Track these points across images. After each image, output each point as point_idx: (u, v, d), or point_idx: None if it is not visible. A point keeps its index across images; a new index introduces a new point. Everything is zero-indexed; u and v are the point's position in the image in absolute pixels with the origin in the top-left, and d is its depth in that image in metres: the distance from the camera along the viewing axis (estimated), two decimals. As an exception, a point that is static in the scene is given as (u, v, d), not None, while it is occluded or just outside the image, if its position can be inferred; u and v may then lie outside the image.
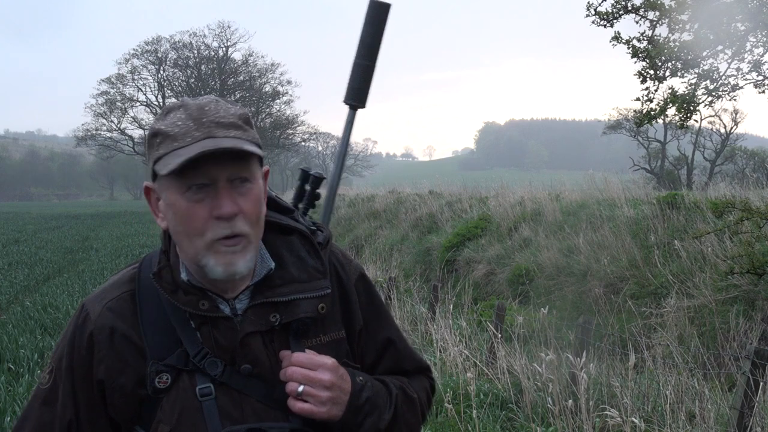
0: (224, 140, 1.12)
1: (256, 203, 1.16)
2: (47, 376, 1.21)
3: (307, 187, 1.44)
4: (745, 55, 8.80)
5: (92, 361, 1.18)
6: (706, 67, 8.84)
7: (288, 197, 1.52)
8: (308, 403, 1.17)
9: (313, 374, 1.17)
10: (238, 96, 48.35)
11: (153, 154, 1.16)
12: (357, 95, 1.46)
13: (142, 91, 47.58)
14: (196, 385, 1.16)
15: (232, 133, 1.14)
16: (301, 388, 1.17)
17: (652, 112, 8.97)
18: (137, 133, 48.38)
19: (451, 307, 7.35)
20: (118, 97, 46.65)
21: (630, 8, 9.01)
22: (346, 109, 1.53)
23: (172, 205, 1.14)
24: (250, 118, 1.21)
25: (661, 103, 8.88)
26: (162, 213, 1.19)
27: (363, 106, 1.49)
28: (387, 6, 1.42)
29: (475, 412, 4.54)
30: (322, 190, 1.47)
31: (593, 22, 9.20)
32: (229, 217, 1.13)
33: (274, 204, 1.31)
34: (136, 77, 47.07)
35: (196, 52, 48.10)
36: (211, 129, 1.13)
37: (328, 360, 1.20)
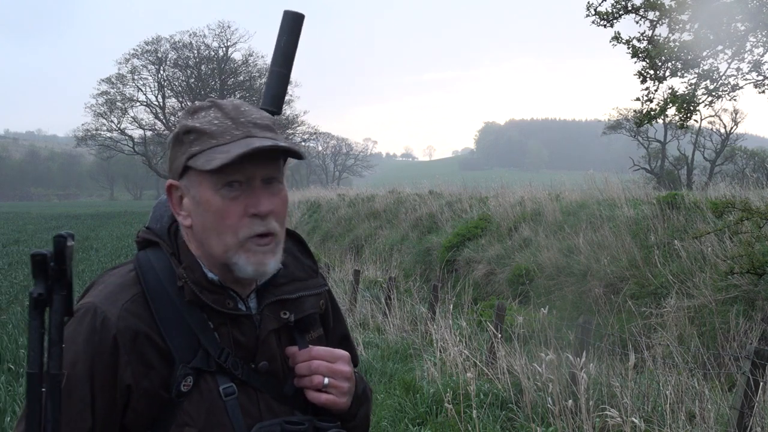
0: (266, 140, 1.15)
1: (285, 204, 1.21)
2: None
3: None
4: (745, 55, 8.80)
5: (117, 366, 1.13)
6: (706, 67, 8.84)
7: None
8: (332, 395, 1.22)
9: (335, 366, 1.23)
10: (238, 96, 48.37)
11: (186, 150, 1.16)
12: (273, 101, 1.50)
13: (142, 91, 47.64)
14: (218, 385, 1.16)
15: (268, 134, 1.18)
16: (326, 381, 1.21)
17: (652, 112, 8.96)
18: (137, 133, 48.47)
19: (451, 307, 7.35)
20: (118, 97, 46.72)
21: (630, 8, 9.01)
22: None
23: (206, 201, 1.15)
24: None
25: (661, 103, 8.87)
26: (186, 211, 1.19)
27: (280, 112, 1.53)
28: (301, 17, 1.49)
29: (475, 412, 4.54)
30: None
31: (593, 22, 9.19)
32: (266, 214, 1.16)
33: None
34: (136, 77, 47.15)
35: (196, 52, 48.17)
36: (250, 129, 1.16)
37: (344, 352, 1.26)
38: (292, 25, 1.46)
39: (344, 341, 1.44)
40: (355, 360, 1.46)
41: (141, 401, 1.14)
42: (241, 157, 1.11)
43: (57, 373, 0.90)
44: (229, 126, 1.16)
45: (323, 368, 1.21)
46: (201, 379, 1.16)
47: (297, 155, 1.18)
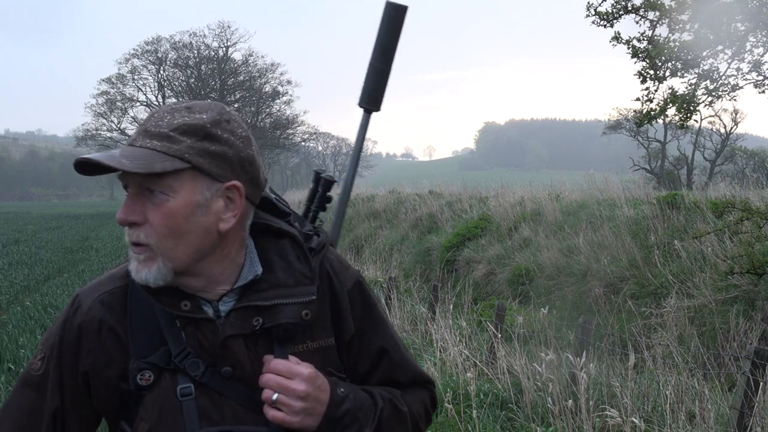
0: (132, 149, 1.14)
1: (166, 216, 1.13)
2: (39, 363, 1.23)
3: (319, 190, 1.45)
4: (745, 55, 8.80)
5: (80, 353, 1.20)
6: (706, 67, 8.84)
7: (288, 197, 1.52)
8: (281, 412, 1.17)
9: (287, 383, 1.17)
10: (238, 96, 48.35)
11: None
12: (371, 98, 1.44)
13: (142, 91, 47.62)
14: (177, 384, 1.17)
15: (149, 143, 1.14)
16: (275, 396, 1.17)
17: (652, 112, 8.96)
18: (137, 133, 48.34)
19: (451, 307, 7.35)
20: (118, 97, 46.69)
21: (630, 8, 9.01)
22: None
23: None
24: (206, 129, 1.16)
25: (661, 103, 8.87)
26: None
27: (378, 109, 1.47)
28: (404, 8, 1.40)
29: (475, 412, 4.54)
30: (334, 193, 1.47)
31: (593, 23, 9.19)
32: (123, 223, 1.15)
33: (271, 207, 1.31)
34: (136, 77, 47.11)
35: (196, 52, 48.11)
36: (137, 137, 1.16)
37: (305, 369, 1.19)
38: (393, 17, 1.39)
39: (382, 355, 1.35)
40: (399, 378, 1.37)
41: (101, 389, 1.19)
42: (74, 166, 1.13)
43: None
44: (135, 133, 1.18)
45: (272, 383, 1.17)
46: (162, 376, 1.17)
47: (109, 170, 1.11)
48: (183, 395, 1.16)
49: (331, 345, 1.28)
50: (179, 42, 47.35)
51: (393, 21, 1.40)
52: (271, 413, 1.17)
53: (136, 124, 47.42)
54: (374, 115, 1.50)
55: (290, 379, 1.17)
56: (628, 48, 9.01)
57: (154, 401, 1.17)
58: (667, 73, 8.93)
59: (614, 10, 9.06)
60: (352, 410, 1.23)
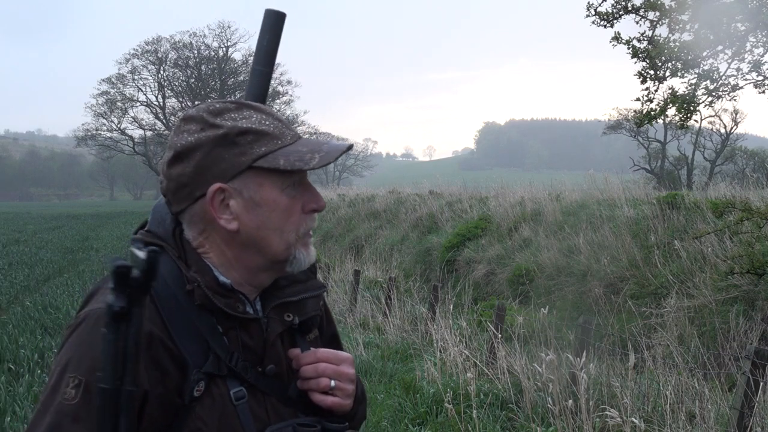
0: (325, 141, 1.23)
1: None
2: (73, 391, 1.07)
3: None
4: (745, 55, 8.80)
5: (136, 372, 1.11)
6: (706, 67, 8.84)
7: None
8: (337, 398, 1.23)
9: (341, 369, 1.24)
10: (238, 96, 48.32)
11: (246, 151, 1.15)
12: (257, 101, 1.50)
13: (142, 91, 47.65)
14: (229, 389, 1.16)
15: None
16: (333, 383, 1.22)
17: (652, 113, 8.97)
18: (137, 133, 48.47)
19: (451, 307, 7.35)
20: (119, 97, 46.73)
21: (630, 8, 9.01)
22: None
23: (272, 201, 1.17)
24: None
25: (661, 103, 8.88)
26: (233, 214, 1.16)
27: None
28: (282, 15, 1.49)
29: (475, 412, 4.54)
30: None
31: (593, 23, 9.20)
32: (321, 209, 1.23)
33: None
34: (136, 77, 47.16)
35: (196, 52, 48.16)
36: (295, 129, 1.22)
37: (348, 355, 1.28)
38: (274, 23, 1.47)
39: (334, 341, 1.45)
40: None
41: (155, 407, 1.12)
42: (339, 155, 1.18)
43: (133, 389, 0.93)
44: (281, 126, 1.19)
45: (330, 371, 1.22)
46: (212, 384, 1.15)
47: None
48: (237, 399, 1.16)
49: (317, 336, 1.35)
50: (179, 42, 47.41)
51: (273, 27, 1.49)
52: (329, 400, 1.22)
53: (136, 124, 47.51)
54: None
55: (339, 365, 1.24)
56: (628, 48, 9.02)
57: (210, 411, 1.13)
58: (667, 73, 8.93)
59: (614, 11, 9.07)
60: (364, 389, 1.36)
